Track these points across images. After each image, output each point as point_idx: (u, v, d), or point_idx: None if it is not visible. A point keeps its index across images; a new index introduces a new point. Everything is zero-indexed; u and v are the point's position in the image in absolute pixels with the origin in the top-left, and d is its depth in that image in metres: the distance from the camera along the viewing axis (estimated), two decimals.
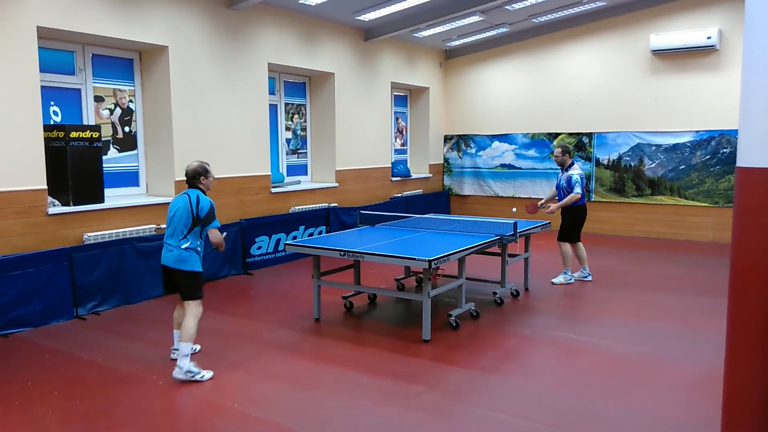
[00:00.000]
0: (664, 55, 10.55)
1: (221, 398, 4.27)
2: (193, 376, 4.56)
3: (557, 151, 7.59)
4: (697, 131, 10.45)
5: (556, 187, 7.74)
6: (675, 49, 10.28)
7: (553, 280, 7.52)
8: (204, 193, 4.80)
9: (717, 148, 10.32)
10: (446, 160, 13.47)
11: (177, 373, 4.56)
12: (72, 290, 6.17)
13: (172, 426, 3.91)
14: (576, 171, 7.39)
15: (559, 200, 7.57)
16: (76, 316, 6.18)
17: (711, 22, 10.12)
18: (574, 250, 7.57)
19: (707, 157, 10.43)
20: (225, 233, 5.02)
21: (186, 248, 4.68)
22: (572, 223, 7.49)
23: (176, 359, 4.87)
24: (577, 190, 7.26)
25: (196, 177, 4.77)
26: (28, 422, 3.91)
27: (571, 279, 7.53)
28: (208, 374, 4.64)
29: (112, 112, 7.40)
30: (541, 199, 8.21)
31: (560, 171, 7.68)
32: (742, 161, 2.83)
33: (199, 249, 4.76)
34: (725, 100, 10.07)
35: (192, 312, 4.71)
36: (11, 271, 5.68)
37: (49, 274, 5.96)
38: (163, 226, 7.27)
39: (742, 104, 2.84)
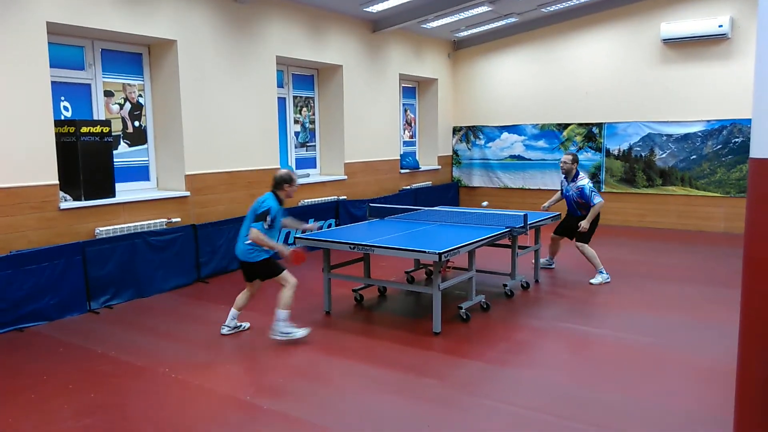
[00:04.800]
0: (674, 44, 10.45)
1: (234, 391, 4.31)
2: (288, 334, 5.16)
3: (568, 158, 7.27)
4: (708, 121, 10.36)
5: (564, 196, 7.47)
6: (686, 37, 10.18)
7: (591, 281, 7.15)
8: (281, 199, 5.22)
9: (728, 138, 10.22)
10: (455, 151, 13.43)
11: (274, 335, 5.17)
12: (85, 284, 6.23)
13: (184, 419, 3.94)
14: (585, 181, 7.15)
15: (569, 209, 7.38)
16: (89, 309, 6.24)
17: (722, 10, 10.00)
18: (581, 249, 7.24)
19: (719, 146, 10.34)
20: (319, 224, 5.93)
21: (248, 243, 5.15)
22: (591, 227, 7.18)
23: (225, 334, 5.47)
24: (598, 199, 7.05)
25: (280, 183, 5.23)
26: (44, 415, 3.97)
27: (608, 278, 7.19)
28: (302, 332, 5.21)
29: (122, 106, 7.43)
30: (551, 196, 8.03)
31: (564, 179, 7.41)
32: (756, 152, 2.80)
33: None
34: (737, 89, 9.98)
35: (285, 285, 5.22)
36: (26, 266, 5.74)
37: (63, 268, 6.01)
38: (175, 219, 7.38)
39: (755, 94, 2.80)
